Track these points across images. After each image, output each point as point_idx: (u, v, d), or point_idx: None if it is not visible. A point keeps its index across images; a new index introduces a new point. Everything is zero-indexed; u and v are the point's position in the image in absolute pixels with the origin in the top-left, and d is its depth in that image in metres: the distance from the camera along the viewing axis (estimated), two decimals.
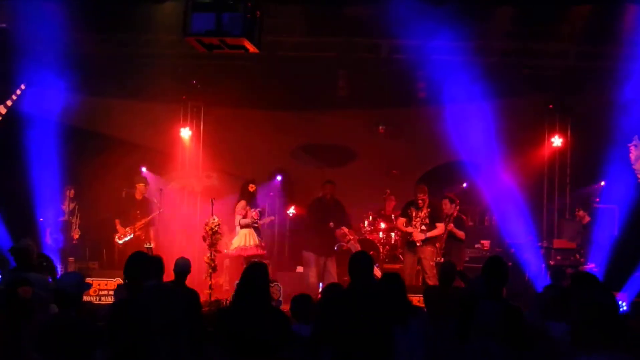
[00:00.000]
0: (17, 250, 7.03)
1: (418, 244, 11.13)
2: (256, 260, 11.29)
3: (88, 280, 9.69)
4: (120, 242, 12.44)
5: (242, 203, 11.56)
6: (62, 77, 12.05)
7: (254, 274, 5.31)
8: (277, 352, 5.04)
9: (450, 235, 11.51)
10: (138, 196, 12.74)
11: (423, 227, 11.17)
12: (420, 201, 11.23)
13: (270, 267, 11.67)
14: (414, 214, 11.26)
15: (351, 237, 11.95)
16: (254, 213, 11.51)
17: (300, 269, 12.37)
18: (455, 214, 11.64)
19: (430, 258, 11.11)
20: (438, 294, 7.42)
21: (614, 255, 11.08)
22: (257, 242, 11.53)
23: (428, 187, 11.47)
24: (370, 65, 12.56)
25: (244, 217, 11.48)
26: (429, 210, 11.21)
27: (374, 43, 12.30)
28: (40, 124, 11.96)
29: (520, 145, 13.25)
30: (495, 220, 13.60)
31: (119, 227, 12.52)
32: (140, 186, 12.75)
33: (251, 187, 11.64)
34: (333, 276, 11.50)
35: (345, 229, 11.93)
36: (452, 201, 11.69)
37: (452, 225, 11.50)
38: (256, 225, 11.66)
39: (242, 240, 11.46)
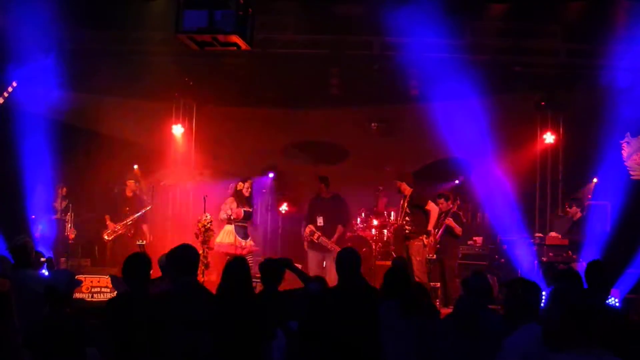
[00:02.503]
0: (16, 247, 6.96)
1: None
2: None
3: (80, 277, 9.76)
4: (109, 238, 12.40)
5: (229, 199, 11.43)
6: (53, 75, 11.99)
7: (233, 268, 5.32)
8: (259, 346, 5.05)
9: (447, 231, 11.52)
10: (128, 193, 12.72)
11: (407, 218, 11.08)
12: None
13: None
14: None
15: (318, 234, 11.77)
16: (237, 211, 11.28)
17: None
18: (454, 210, 11.69)
19: (417, 254, 10.89)
20: None
21: (606, 252, 11.09)
22: (234, 241, 11.24)
23: (420, 183, 11.45)
24: (363, 63, 12.54)
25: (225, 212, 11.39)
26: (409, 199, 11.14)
27: (366, 40, 12.29)
28: (31, 121, 11.89)
29: (513, 142, 13.26)
30: (488, 217, 13.61)
31: (108, 222, 12.50)
32: (130, 183, 12.72)
33: (239, 186, 11.48)
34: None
35: (311, 227, 11.82)
36: (447, 199, 11.71)
37: (450, 219, 11.52)
38: (243, 224, 11.44)
39: (220, 236, 11.37)
